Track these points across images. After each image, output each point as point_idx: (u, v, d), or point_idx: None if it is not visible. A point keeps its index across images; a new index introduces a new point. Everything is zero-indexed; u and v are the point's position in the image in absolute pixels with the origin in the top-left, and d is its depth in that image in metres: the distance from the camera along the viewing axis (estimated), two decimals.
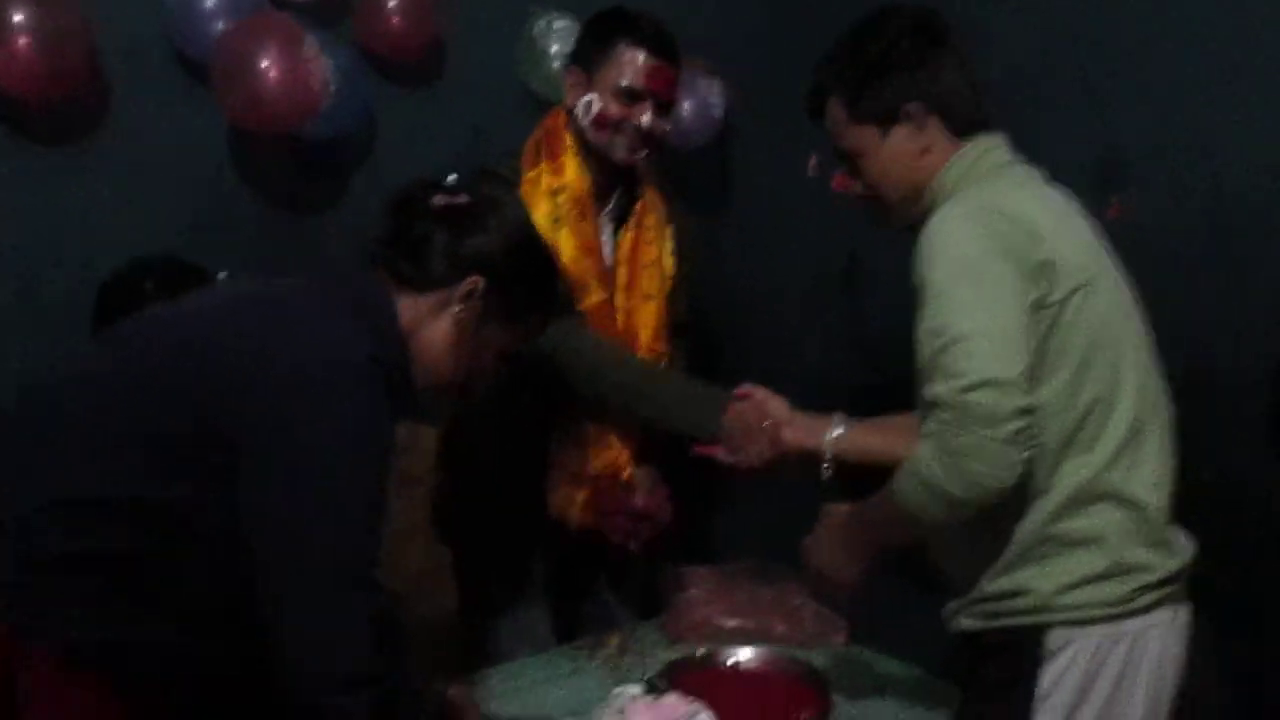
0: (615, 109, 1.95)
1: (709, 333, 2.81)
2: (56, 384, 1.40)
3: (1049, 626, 1.42)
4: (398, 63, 2.36)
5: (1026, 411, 1.32)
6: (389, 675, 1.33)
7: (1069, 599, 1.42)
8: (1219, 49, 2.08)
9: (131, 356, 1.37)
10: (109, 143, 2.09)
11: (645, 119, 1.95)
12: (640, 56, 1.94)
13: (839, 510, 1.60)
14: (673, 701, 1.59)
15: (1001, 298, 1.37)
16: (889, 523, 1.50)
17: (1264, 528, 1.97)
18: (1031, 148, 1.62)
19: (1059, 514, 1.41)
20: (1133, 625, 1.43)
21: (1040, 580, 1.42)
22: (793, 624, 2.01)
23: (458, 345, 1.49)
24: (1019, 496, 1.39)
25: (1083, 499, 1.41)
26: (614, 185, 2.05)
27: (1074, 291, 1.41)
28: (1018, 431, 1.32)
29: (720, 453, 1.92)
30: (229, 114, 2.10)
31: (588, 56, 1.99)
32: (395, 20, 2.27)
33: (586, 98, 1.96)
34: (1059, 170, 1.61)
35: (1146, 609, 1.43)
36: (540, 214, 1.90)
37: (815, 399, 2.99)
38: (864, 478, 1.79)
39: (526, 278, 1.54)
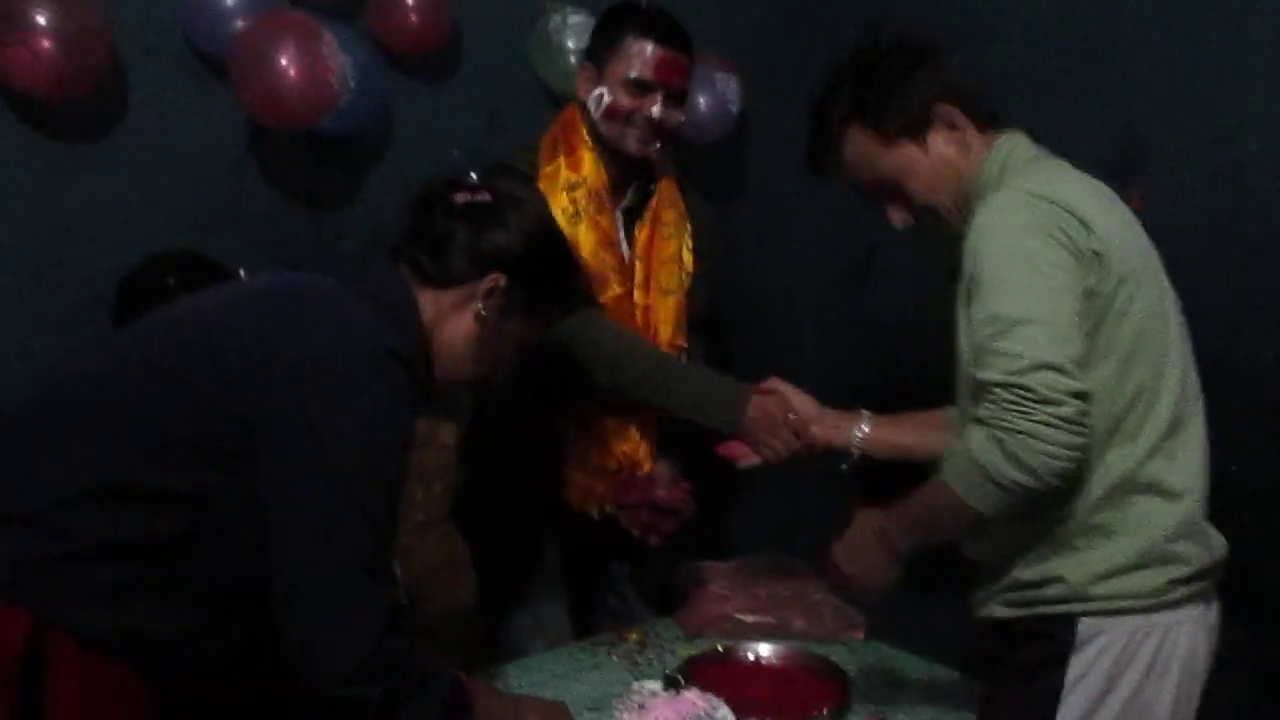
0: (625, 101, 1.95)
1: (725, 326, 2.81)
2: (80, 376, 1.41)
3: (1081, 615, 1.42)
4: (414, 58, 2.36)
5: (1083, 395, 1.32)
6: (402, 666, 1.35)
7: (1102, 588, 1.41)
8: (1239, 37, 2.06)
9: (155, 349, 1.37)
10: (128, 139, 2.10)
11: (655, 110, 1.95)
12: (648, 48, 1.94)
13: (871, 514, 1.56)
14: (692, 696, 1.59)
15: (1057, 283, 1.36)
16: (928, 522, 1.48)
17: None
18: (1050, 137, 1.62)
19: (1100, 504, 1.41)
20: (1164, 618, 1.42)
21: (1074, 569, 1.42)
22: (812, 619, 2.01)
23: (479, 341, 1.50)
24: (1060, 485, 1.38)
25: (1124, 489, 1.41)
26: (629, 180, 2.04)
27: (1122, 282, 1.41)
28: (1077, 413, 1.31)
29: (739, 454, 1.91)
30: (247, 110, 2.11)
31: (598, 50, 2.00)
32: (412, 16, 2.27)
33: (597, 91, 1.96)
34: (1078, 160, 1.60)
35: (1179, 603, 1.43)
36: (558, 209, 1.89)
37: (831, 392, 2.99)
38: (880, 472, 1.79)
39: (547, 274, 1.55)
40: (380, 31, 2.29)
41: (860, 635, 2.01)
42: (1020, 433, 1.31)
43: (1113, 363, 1.40)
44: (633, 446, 2.04)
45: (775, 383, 1.92)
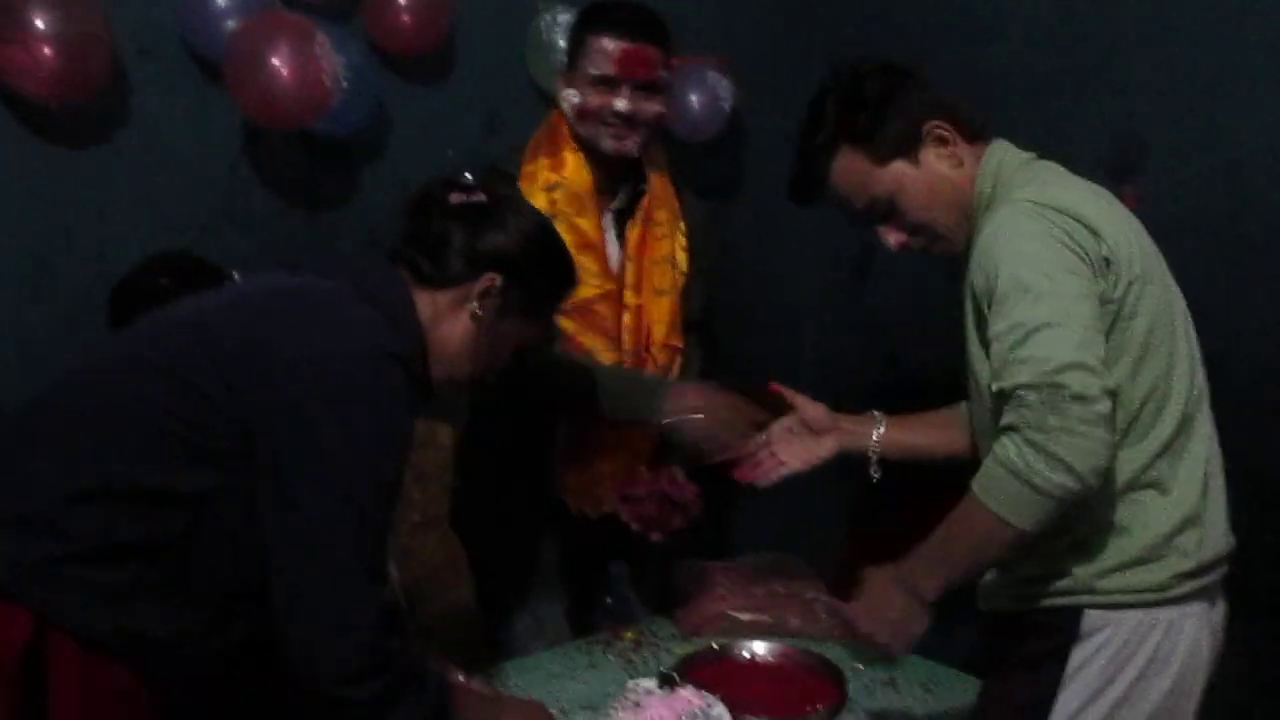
0: (593, 99, 1.94)
1: (723, 326, 2.81)
2: (80, 377, 1.41)
3: (1085, 609, 1.43)
4: (409, 58, 2.36)
5: (1112, 393, 1.31)
6: (398, 665, 1.35)
7: (1107, 583, 1.42)
8: (1237, 37, 2.07)
9: (155, 350, 1.38)
10: (124, 141, 2.10)
11: (621, 104, 1.93)
12: (608, 43, 1.93)
13: (882, 570, 1.50)
14: (687, 694, 1.59)
15: (1074, 289, 1.35)
16: (959, 555, 1.42)
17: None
18: (1049, 137, 1.63)
19: (1110, 502, 1.41)
20: (1168, 613, 1.43)
21: (1080, 564, 1.42)
22: (807, 617, 2.01)
23: (475, 341, 1.51)
24: None
25: (1131, 486, 1.42)
26: (618, 180, 2.04)
27: (1131, 286, 1.41)
28: (1110, 411, 1.30)
29: (755, 475, 1.83)
30: (242, 111, 2.11)
31: (569, 54, 2.01)
32: (406, 17, 2.27)
33: (568, 93, 1.97)
34: (1075, 160, 1.61)
35: (1182, 598, 1.43)
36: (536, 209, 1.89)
37: (831, 390, 2.99)
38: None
39: (543, 274, 1.56)
40: (375, 32, 2.30)
41: (857, 634, 2.00)
42: (1058, 430, 1.28)
43: (1125, 365, 1.40)
44: (631, 451, 2.03)
45: (784, 392, 1.87)
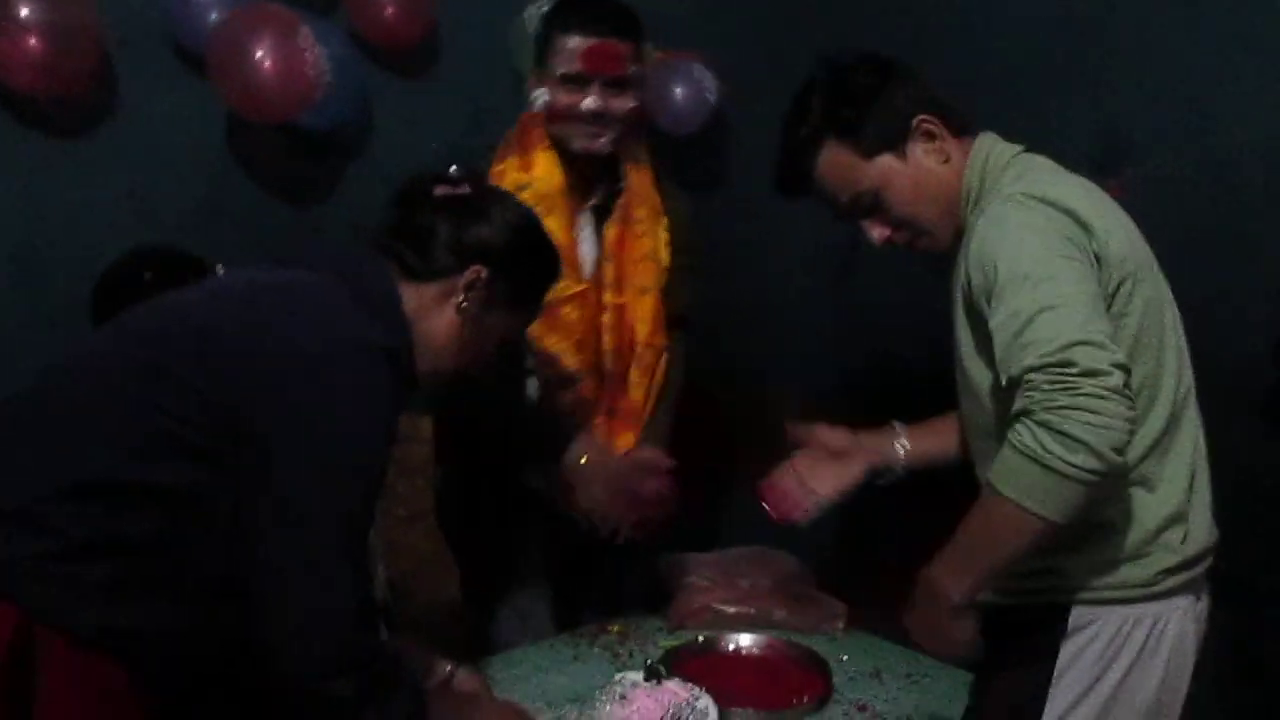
0: (562, 98, 1.92)
1: (708, 320, 2.81)
2: (64, 372, 1.40)
3: (1072, 605, 1.43)
4: (393, 51, 2.36)
5: (1122, 366, 1.27)
6: (375, 663, 1.35)
7: (1093, 579, 1.42)
8: (1219, 28, 2.08)
9: (142, 345, 1.37)
10: (105, 134, 2.09)
11: (590, 102, 1.90)
12: (574, 40, 1.90)
13: (927, 577, 1.44)
14: (674, 687, 1.60)
15: (1073, 272, 1.34)
16: (984, 554, 1.37)
17: (1270, 508, 1.97)
18: (1034, 130, 1.62)
19: (1098, 500, 1.36)
20: (1154, 608, 1.43)
21: (1069, 562, 1.41)
22: (793, 609, 2.02)
23: (461, 334, 1.51)
24: None
25: (1119, 484, 1.40)
26: (594, 178, 2.01)
27: (1122, 284, 1.40)
28: (1122, 383, 1.26)
29: (776, 511, 1.79)
30: (225, 104, 2.10)
31: (539, 53, 1.97)
32: (389, 9, 2.27)
33: (538, 92, 1.94)
34: (1059, 154, 1.61)
35: (1168, 593, 1.43)
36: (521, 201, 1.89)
37: (817, 384, 3.01)
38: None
39: (529, 266, 1.56)
40: (359, 25, 2.29)
41: (841, 625, 2.02)
42: (1069, 408, 1.24)
43: None
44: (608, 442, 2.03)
45: (799, 430, 1.81)
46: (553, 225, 1.94)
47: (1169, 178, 2.12)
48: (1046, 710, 1.44)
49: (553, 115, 1.94)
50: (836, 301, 2.91)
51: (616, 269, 2.02)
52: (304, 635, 1.30)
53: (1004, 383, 1.33)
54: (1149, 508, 1.42)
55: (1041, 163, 1.55)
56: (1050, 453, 1.25)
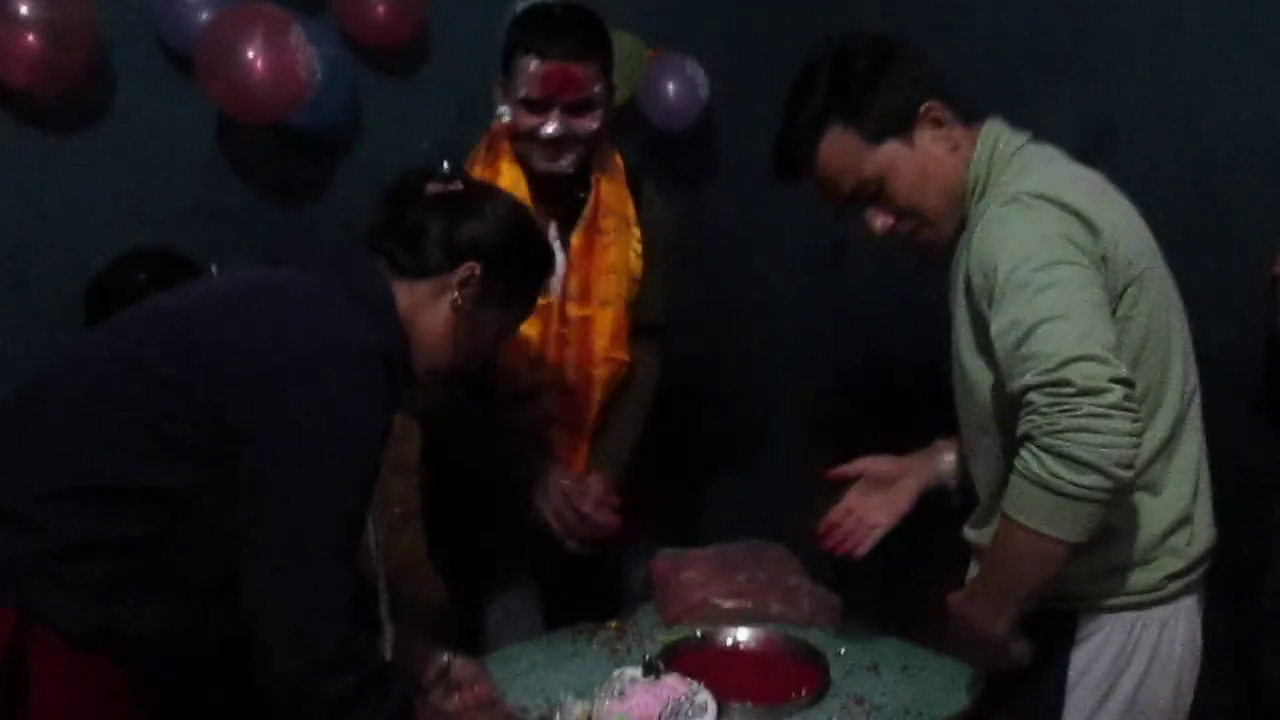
0: (523, 119, 1.88)
1: (697, 316, 2.82)
2: (58, 374, 1.41)
3: (1079, 611, 1.42)
4: (383, 51, 2.36)
5: (1124, 381, 1.24)
6: (366, 666, 1.35)
7: (1100, 586, 1.40)
8: (1205, 19, 2.09)
9: (134, 347, 1.38)
10: (97, 134, 2.09)
11: (551, 128, 1.87)
12: (534, 64, 1.85)
13: (956, 600, 1.45)
14: (672, 682, 1.60)
15: (1076, 279, 1.30)
16: (1011, 580, 1.35)
17: (1260, 503, 1.98)
18: (1017, 122, 1.62)
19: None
20: (1161, 612, 1.42)
21: (1074, 567, 1.35)
22: (790, 603, 2.02)
23: (456, 331, 1.51)
24: None
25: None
26: (562, 190, 1.96)
27: (1129, 286, 1.37)
28: (1124, 398, 1.23)
29: (856, 548, 1.76)
30: (215, 104, 2.09)
31: (503, 65, 1.93)
32: (379, 8, 2.26)
33: (501, 108, 1.91)
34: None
35: (1174, 595, 1.43)
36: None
37: (810, 380, 3.02)
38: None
39: (521, 262, 1.56)
40: (348, 24, 2.28)
41: (838, 619, 2.02)
42: (1071, 430, 1.22)
43: None
44: (567, 454, 2.03)
45: (844, 472, 1.77)
46: None
47: (1153, 171, 2.13)
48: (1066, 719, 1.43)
49: (514, 134, 1.91)
50: (829, 297, 2.92)
51: (581, 280, 1.99)
52: (294, 635, 1.30)
53: (1007, 393, 1.31)
54: (1154, 512, 1.40)
55: (1049, 153, 1.51)
56: (1058, 477, 1.24)
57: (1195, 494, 1.45)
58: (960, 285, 1.44)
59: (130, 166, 2.11)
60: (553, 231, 1.97)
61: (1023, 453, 1.28)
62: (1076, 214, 1.35)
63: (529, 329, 1.92)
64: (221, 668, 1.44)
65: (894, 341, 2.74)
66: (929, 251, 1.54)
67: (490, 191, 1.59)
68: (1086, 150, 2.16)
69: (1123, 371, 1.25)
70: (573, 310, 1.99)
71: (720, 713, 1.59)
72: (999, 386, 1.38)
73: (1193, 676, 1.48)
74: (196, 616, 1.37)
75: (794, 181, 1.57)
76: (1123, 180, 2.05)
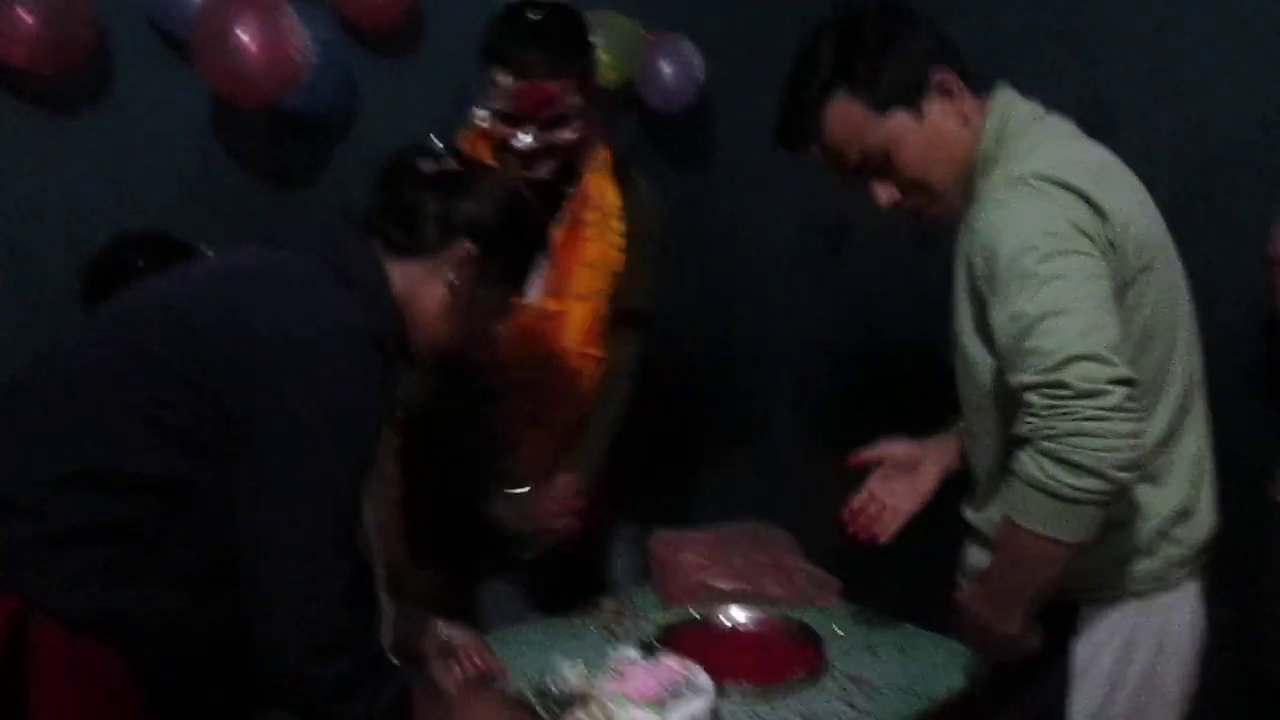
0: (499, 129, 1.88)
1: (693, 299, 2.82)
2: (55, 360, 1.41)
3: (1082, 603, 1.41)
4: (379, 34, 2.34)
5: (1124, 381, 1.21)
6: (364, 651, 1.36)
7: (1103, 578, 1.39)
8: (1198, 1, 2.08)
9: (129, 332, 1.38)
10: (93, 118, 2.08)
11: (525, 141, 1.86)
12: (507, 79, 1.83)
13: (965, 598, 1.45)
14: (670, 663, 1.61)
15: (1082, 270, 1.26)
16: (1019, 580, 1.34)
17: (1251, 484, 1.98)
18: None
19: None
20: (1165, 599, 1.41)
21: (1077, 560, 1.33)
22: (787, 584, 2.03)
23: (452, 310, 1.50)
24: None
25: None
26: (545, 188, 1.93)
27: (1138, 275, 1.33)
28: (1124, 399, 1.20)
29: (881, 534, 1.74)
30: (210, 88, 2.09)
31: (481, 65, 1.89)
32: None
33: (480, 113, 1.89)
34: None
35: (1178, 583, 1.42)
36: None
37: (808, 362, 3.02)
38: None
39: (517, 240, 1.55)
40: (342, 8, 2.27)
41: (836, 600, 2.03)
42: (1069, 434, 1.21)
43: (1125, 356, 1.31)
44: (535, 454, 2.03)
45: (865, 458, 1.75)
46: None
47: (1151, 146, 2.13)
48: (1075, 711, 1.43)
49: (490, 140, 1.90)
50: (826, 280, 2.92)
51: (559, 274, 1.98)
52: (292, 622, 1.30)
53: (1009, 383, 1.30)
54: (1155, 503, 1.38)
55: (1061, 129, 1.46)
56: (1058, 481, 1.23)
57: (1197, 484, 1.43)
58: (963, 264, 1.41)
59: (126, 151, 2.10)
60: None
61: (1022, 455, 1.27)
62: (1085, 198, 1.30)
63: (500, 330, 1.90)
64: (222, 655, 1.44)
65: (891, 325, 2.74)
66: (936, 225, 1.50)
67: (484, 170, 1.58)
68: (1085, 128, 2.16)
69: (1124, 371, 1.22)
70: (549, 304, 1.98)
71: (718, 693, 1.59)
72: (997, 368, 1.37)
73: (1198, 661, 1.47)
74: (196, 603, 1.38)
75: (797, 150, 1.51)
76: (1120, 154, 2.05)
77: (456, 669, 1.70)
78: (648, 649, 1.66)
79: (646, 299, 2.09)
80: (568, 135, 1.90)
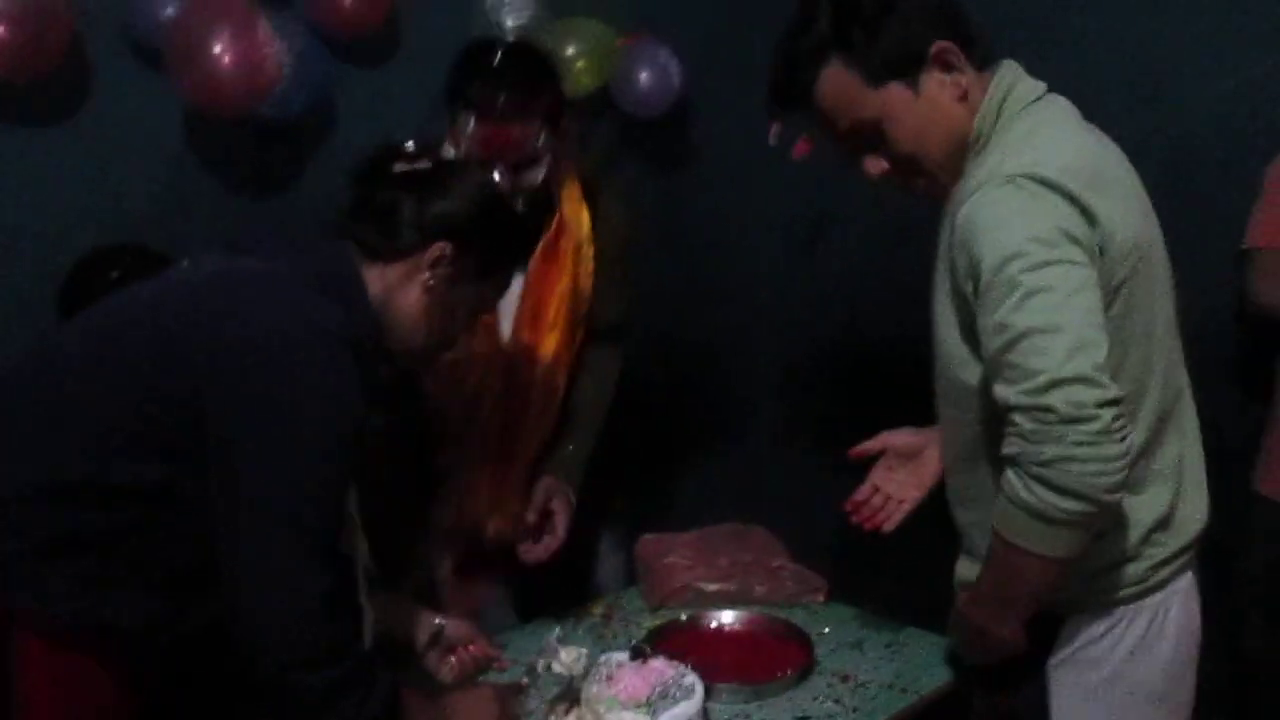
0: None
1: (673, 301, 2.83)
2: (28, 372, 1.40)
3: (1067, 616, 1.41)
4: (352, 41, 2.34)
5: (1112, 402, 1.20)
6: (349, 656, 1.35)
7: (1086, 587, 1.38)
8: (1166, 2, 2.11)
9: (103, 342, 1.37)
10: (65, 127, 2.06)
11: (494, 180, 1.79)
12: (471, 123, 1.79)
13: (963, 606, 1.46)
14: (659, 665, 1.61)
15: (1070, 281, 1.23)
16: (1015, 592, 1.35)
17: (1230, 473, 2.00)
18: None
19: None
20: (1153, 599, 1.40)
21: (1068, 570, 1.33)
22: (773, 584, 2.04)
23: (430, 311, 1.49)
24: None
25: None
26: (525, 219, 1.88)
27: (1124, 282, 1.30)
28: (1112, 421, 1.19)
29: (886, 524, 1.71)
30: (184, 98, 2.08)
31: (447, 102, 1.84)
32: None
33: (447, 148, 1.85)
34: None
35: (1164, 582, 1.40)
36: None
37: (787, 359, 3.02)
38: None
39: (493, 238, 1.53)
40: (316, 15, 2.27)
41: (822, 598, 2.04)
42: (1057, 460, 1.20)
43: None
44: (475, 505, 2.02)
45: (867, 448, 1.72)
46: None
47: (1123, 143, 2.14)
48: (1054, 711, 1.43)
49: None
50: (804, 281, 2.93)
51: (534, 305, 1.97)
52: (273, 629, 1.30)
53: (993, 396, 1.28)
54: (1136, 511, 1.36)
55: (1060, 114, 1.42)
56: (1045, 503, 1.22)
57: (1179, 490, 1.41)
58: (944, 258, 1.39)
59: (101, 161, 2.09)
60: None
61: (1009, 475, 1.26)
62: (1075, 201, 1.26)
63: (463, 373, 1.91)
64: (205, 660, 1.43)
65: (870, 325, 2.76)
66: (923, 196, 1.46)
67: (459, 168, 1.56)
68: None
69: (1112, 392, 1.21)
70: (524, 336, 1.97)
71: (707, 693, 1.60)
72: (969, 362, 1.36)
73: (1192, 652, 1.46)
74: (180, 609, 1.37)
75: (789, 112, 1.47)
76: None
77: (452, 659, 1.69)
78: (637, 652, 1.66)
79: (619, 313, 2.09)
80: (536, 177, 1.86)
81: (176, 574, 1.35)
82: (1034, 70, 1.54)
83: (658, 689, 1.56)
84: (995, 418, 1.30)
